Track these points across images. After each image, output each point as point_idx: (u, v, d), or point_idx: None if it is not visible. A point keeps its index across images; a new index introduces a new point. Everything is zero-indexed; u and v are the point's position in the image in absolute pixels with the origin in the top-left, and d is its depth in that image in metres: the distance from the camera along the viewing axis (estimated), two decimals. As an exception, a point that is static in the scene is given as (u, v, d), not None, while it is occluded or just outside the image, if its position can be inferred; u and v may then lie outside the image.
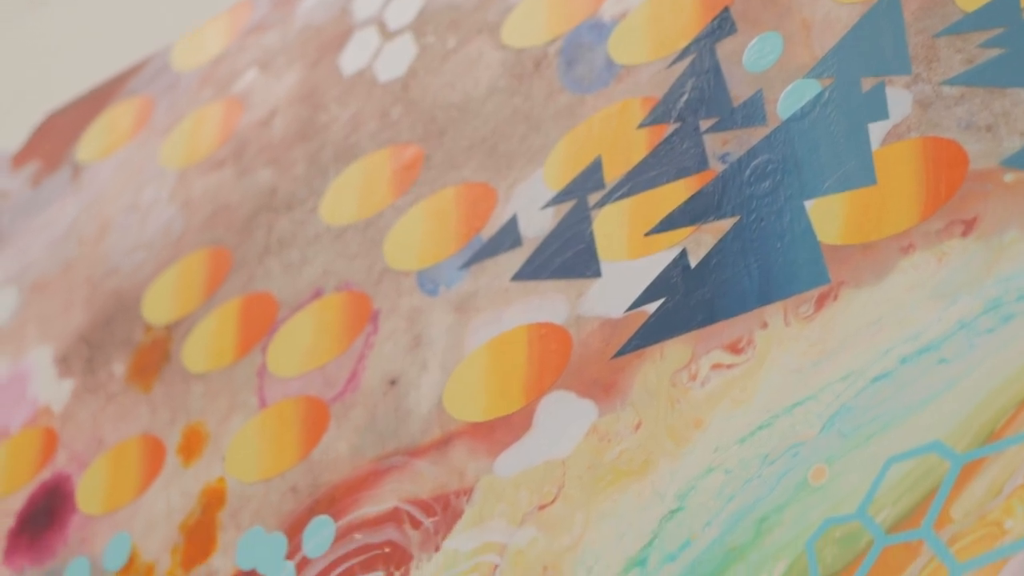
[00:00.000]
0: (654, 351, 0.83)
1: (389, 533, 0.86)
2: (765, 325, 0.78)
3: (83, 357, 0.92)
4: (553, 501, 0.84)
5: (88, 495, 0.90)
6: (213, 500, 0.88)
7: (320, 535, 0.86)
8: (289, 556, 0.87)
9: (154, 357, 0.91)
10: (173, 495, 0.88)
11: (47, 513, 0.90)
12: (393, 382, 0.86)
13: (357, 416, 0.87)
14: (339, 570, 0.87)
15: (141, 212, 0.93)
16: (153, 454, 0.89)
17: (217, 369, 0.88)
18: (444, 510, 0.84)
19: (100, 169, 0.95)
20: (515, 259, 0.86)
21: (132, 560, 0.89)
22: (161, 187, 0.93)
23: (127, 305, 0.92)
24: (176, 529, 0.88)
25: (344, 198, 0.91)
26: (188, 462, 0.88)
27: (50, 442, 0.91)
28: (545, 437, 0.84)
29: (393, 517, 0.86)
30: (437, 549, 0.86)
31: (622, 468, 0.82)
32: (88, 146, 0.96)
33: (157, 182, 0.94)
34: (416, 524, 0.86)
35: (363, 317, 0.88)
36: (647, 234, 0.82)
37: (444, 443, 0.86)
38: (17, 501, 0.91)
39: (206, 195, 0.93)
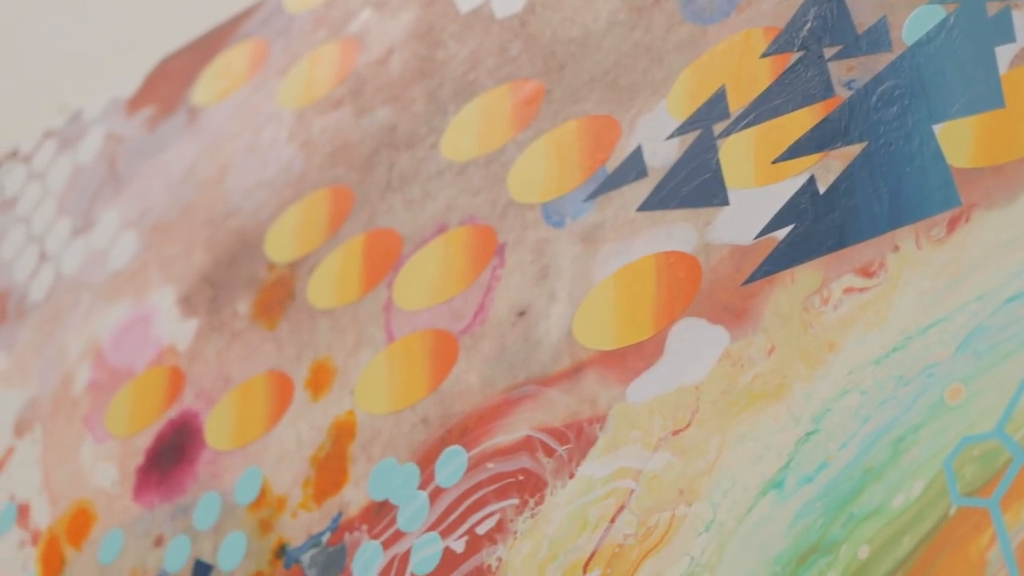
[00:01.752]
0: (785, 276, 0.84)
1: (522, 461, 0.87)
2: (897, 248, 0.79)
3: (207, 297, 0.94)
4: (687, 426, 0.85)
5: (217, 431, 0.91)
6: (343, 433, 0.89)
7: (452, 465, 0.87)
8: (422, 486, 0.88)
9: (278, 295, 0.92)
10: (303, 429, 0.89)
11: (176, 450, 0.92)
12: (522, 313, 0.87)
13: (486, 348, 0.88)
14: (473, 499, 0.88)
15: (260, 153, 0.94)
16: (281, 389, 0.90)
17: (343, 305, 0.90)
18: (577, 437, 0.85)
19: (216, 112, 0.96)
20: (641, 190, 0.87)
21: (263, 493, 0.90)
22: (279, 128, 0.94)
23: (249, 244, 0.93)
24: (307, 462, 0.89)
25: (465, 134, 0.92)
26: (317, 396, 0.90)
27: (176, 381, 0.93)
28: (677, 363, 0.85)
29: (526, 446, 0.87)
30: (572, 476, 0.87)
31: (756, 392, 0.83)
32: (204, 89, 0.97)
33: (275, 123, 0.95)
34: (549, 452, 0.87)
35: (489, 250, 0.89)
36: (774, 161, 0.83)
37: (575, 372, 0.87)
38: (145, 439, 0.93)
39: (325, 134, 0.94)
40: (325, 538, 0.90)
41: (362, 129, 0.93)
